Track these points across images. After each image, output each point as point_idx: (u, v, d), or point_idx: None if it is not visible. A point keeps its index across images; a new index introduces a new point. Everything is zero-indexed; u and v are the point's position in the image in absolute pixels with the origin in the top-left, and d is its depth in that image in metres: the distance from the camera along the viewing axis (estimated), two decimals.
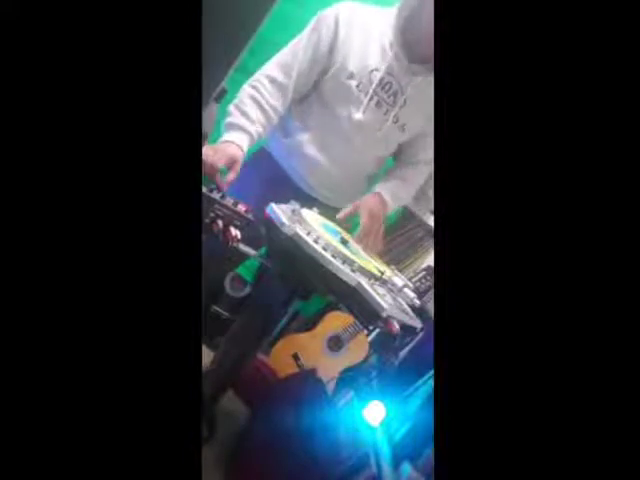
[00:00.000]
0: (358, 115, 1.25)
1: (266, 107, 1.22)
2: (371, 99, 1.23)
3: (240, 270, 1.94)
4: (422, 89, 1.23)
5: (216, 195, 0.89)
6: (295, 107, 1.31)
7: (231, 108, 1.23)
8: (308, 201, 1.20)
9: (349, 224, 1.26)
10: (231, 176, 1.11)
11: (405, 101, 1.24)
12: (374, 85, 1.22)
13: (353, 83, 1.22)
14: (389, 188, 1.33)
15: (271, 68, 1.25)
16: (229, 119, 1.21)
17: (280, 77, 1.23)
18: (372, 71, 1.22)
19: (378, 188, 1.33)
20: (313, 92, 1.29)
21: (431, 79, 1.24)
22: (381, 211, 1.29)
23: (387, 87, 1.23)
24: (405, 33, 1.18)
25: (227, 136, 1.18)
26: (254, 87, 1.23)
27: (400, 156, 1.42)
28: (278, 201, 0.97)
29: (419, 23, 1.15)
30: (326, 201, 1.39)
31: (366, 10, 1.25)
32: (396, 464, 1.37)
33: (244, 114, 1.20)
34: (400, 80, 1.22)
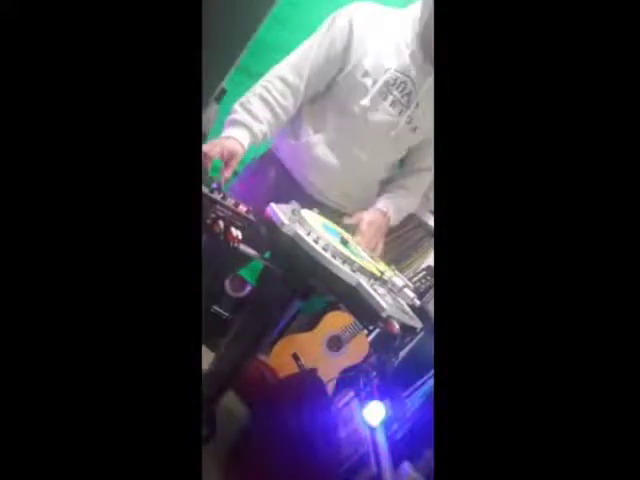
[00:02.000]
0: (372, 113, 1.24)
1: (275, 106, 1.21)
2: (386, 98, 1.22)
3: (243, 272, 1.94)
4: (433, 91, 1.21)
5: (217, 196, 0.89)
6: (307, 109, 1.30)
7: (235, 106, 1.21)
8: (315, 205, 1.20)
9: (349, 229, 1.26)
10: (227, 172, 1.10)
11: (418, 103, 1.23)
12: (389, 84, 1.21)
13: (369, 81, 1.21)
14: (392, 202, 1.33)
15: (282, 68, 1.24)
16: (232, 116, 1.20)
17: (291, 77, 1.22)
18: (387, 70, 1.21)
19: (380, 204, 1.33)
20: (326, 93, 1.28)
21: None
22: (382, 226, 1.29)
23: (402, 87, 1.22)
24: (425, 34, 1.17)
25: (227, 132, 1.17)
26: (264, 87, 1.22)
27: (407, 162, 1.41)
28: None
29: None
30: (335, 206, 1.38)
31: (380, 10, 1.24)
32: (396, 464, 1.37)
33: (248, 112, 1.19)
34: (415, 81, 1.22)
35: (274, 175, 1.36)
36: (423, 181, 1.39)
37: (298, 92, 1.24)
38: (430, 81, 1.21)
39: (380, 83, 1.21)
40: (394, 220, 1.34)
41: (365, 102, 1.22)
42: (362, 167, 1.32)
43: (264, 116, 1.20)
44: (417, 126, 1.27)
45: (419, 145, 1.34)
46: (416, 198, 1.40)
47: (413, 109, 1.24)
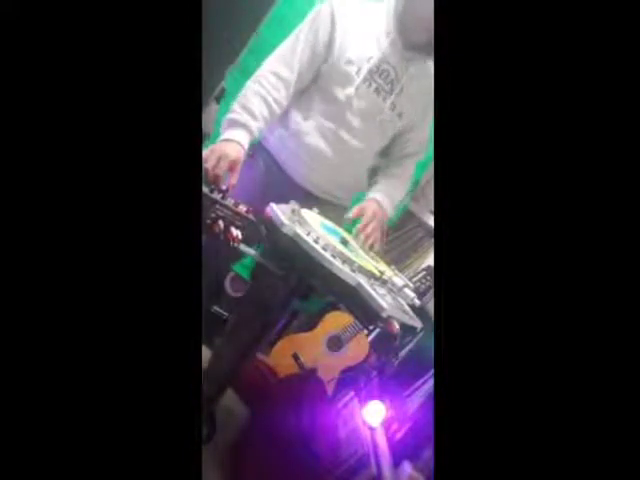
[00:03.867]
0: (358, 100, 1.27)
1: (270, 101, 1.24)
2: (370, 85, 1.26)
3: (237, 268, 1.94)
4: (417, 78, 1.27)
5: (217, 196, 0.89)
6: (295, 100, 1.33)
7: (234, 104, 1.23)
8: (306, 197, 1.20)
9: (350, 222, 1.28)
10: (233, 179, 1.12)
11: (402, 89, 1.28)
12: (372, 72, 1.25)
13: (353, 69, 1.25)
14: (384, 192, 1.36)
15: (273, 63, 1.27)
16: (231, 115, 1.21)
17: (283, 71, 1.25)
18: (370, 58, 1.25)
19: (374, 194, 1.36)
20: (313, 84, 1.31)
21: (425, 67, 1.28)
22: (381, 215, 1.32)
23: (384, 74, 1.26)
24: (402, 20, 1.22)
25: (228, 134, 1.18)
26: (258, 82, 1.25)
27: (391, 150, 1.43)
28: (275, 197, 0.97)
29: (416, 9, 1.18)
30: (327, 197, 1.39)
31: (359, 3, 1.29)
32: (396, 464, 1.37)
33: (248, 111, 1.21)
34: (396, 68, 1.26)
35: (263, 167, 1.38)
36: (409, 166, 1.43)
37: (290, 85, 1.27)
38: (412, 68, 1.26)
39: (364, 72, 1.25)
40: (389, 213, 1.37)
41: (350, 91, 1.26)
42: (353, 153, 1.34)
43: (261, 113, 1.22)
44: (402, 112, 1.31)
45: (402, 130, 1.38)
46: (405, 185, 1.44)
47: (396, 95, 1.28)
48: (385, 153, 1.44)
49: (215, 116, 1.85)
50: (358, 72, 1.25)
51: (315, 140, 1.31)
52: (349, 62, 1.25)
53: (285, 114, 1.33)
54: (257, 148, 1.40)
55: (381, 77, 1.26)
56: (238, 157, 1.14)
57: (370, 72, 1.25)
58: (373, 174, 1.44)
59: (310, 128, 1.31)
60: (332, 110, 1.29)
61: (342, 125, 1.30)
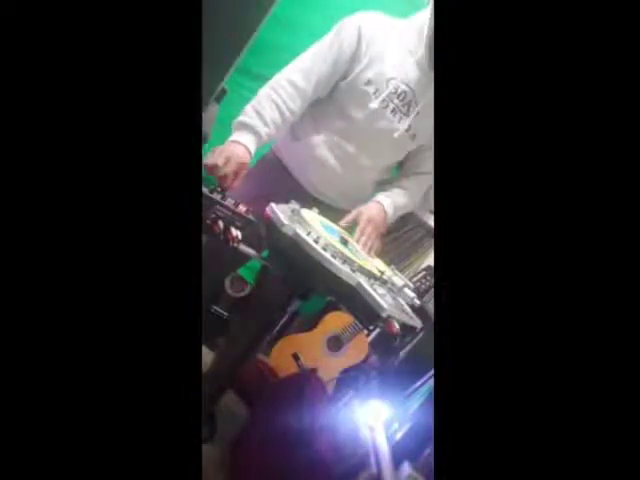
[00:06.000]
0: (372, 120, 1.26)
1: (284, 109, 1.24)
2: (387, 106, 1.25)
3: (242, 272, 1.94)
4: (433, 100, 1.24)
5: (217, 196, 0.89)
6: (309, 111, 1.33)
7: (247, 108, 1.23)
8: (314, 204, 1.20)
9: (349, 227, 1.27)
10: (236, 183, 1.12)
11: (418, 112, 1.26)
12: (391, 93, 1.24)
13: (371, 89, 1.24)
14: (390, 197, 1.35)
15: (292, 72, 1.26)
16: (242, 118, 1.22)
17: (300, 81, 1.25)
18: (390, 79, 1.24)
19: (379, 197, 1.35)
20: (328, 98, 1.31)
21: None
22: (381, 219, 1.31)
23: (402, 96, 1.25)
24: (430, 42, 1.19)
25: (236, 135, 1.19)
26: (273, 89, 1.25)
27: (404, 166, 1.43)
28: (281, 202, 0.97)
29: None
30: (333, 204, 1.39)
31: (386, 21, 1.28)
32: (396, 464, 1.37)
33: (259, 115, 1.21)
34: (416, 91, 1.25)
35: (275, 175, 1.38)
36: (421, 183, 1.41)
37: (306, 96, 1.26)
38: (430, 91, 1.23)
39: (383, 94, 1.23)
40: (391, 216, 1.35)
41: (366, 112, 1.25)
42: (361, 169, 1.35)
43: (273, 119, 1.22)
44: (416, 134, 1.30)
45: (417, 150, 1.37)
46: (413, 198, 1.42)
47: (413, 118, 1.27)
48: (400, 167, 1.44)
49: (215, 116, 1.85)
50: (376, 93, 1.24)
51: (324, 153, 1.31)
52: (368, 82, 1.23)
53: (297, 124, 1.33)
54: (270, 156, 1.41)
55: (399, 98, 1.25)
56: (245, 161, 1.14)
57: (389, 94, 1.23)
58: (381, 185, 1.44)
59: (320, 141, 1.31)
60: (345, 127, 1.29)
61: (353, 143, 1.30)
